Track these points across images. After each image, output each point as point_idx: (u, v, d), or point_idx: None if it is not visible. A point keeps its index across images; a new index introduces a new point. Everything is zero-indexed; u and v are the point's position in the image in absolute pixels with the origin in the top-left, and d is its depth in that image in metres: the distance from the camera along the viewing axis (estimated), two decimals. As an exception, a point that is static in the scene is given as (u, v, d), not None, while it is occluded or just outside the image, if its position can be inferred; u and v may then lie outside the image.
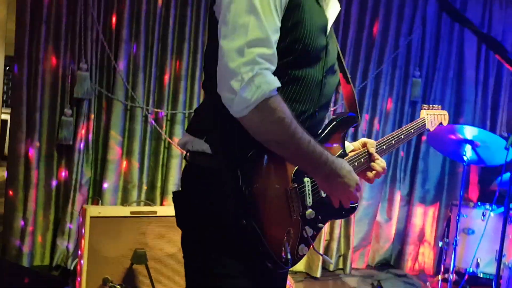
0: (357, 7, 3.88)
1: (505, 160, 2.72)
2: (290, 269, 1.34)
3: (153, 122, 3.59)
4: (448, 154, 3.42)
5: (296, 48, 1.17)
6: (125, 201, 3.51)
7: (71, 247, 3.38)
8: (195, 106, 3.67)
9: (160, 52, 3.60)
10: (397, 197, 4.15)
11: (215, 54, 1.14)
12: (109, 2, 3.45)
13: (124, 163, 3.55)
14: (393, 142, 1.57)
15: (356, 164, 1.41)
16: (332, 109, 3.79)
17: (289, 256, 1.21)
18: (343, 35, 3.86)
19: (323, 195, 1.31)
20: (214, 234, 1.21)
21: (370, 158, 1.45)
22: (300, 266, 3.85)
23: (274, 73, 1.11)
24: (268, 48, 1.09)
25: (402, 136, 1.60)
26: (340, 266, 4.02)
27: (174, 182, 3.63)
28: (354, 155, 1.43)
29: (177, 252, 2.82)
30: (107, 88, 3.51)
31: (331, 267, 3.96)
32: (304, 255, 1.29)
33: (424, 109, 1.76)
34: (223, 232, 1.19)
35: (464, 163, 3.10)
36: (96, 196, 3.44)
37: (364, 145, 1.48)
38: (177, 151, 3.62)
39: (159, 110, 3.62)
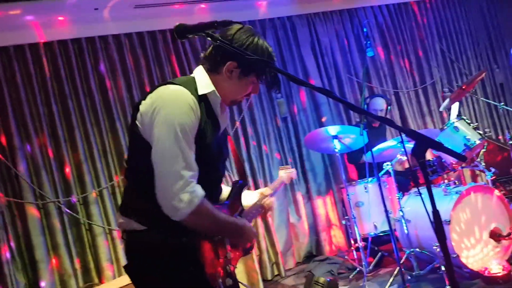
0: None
1: (363, 141, 3.55)
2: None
3: (67, 210, 3.78)
4: (323, 150, 4.18)
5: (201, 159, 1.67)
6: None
7: None
8: (102, 184, 3.94)
9: (54, 146, 3.82)
10: (299, 197, 4.84)
11: (141, 162, 1.59)
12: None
13: (54, 258, 3.67)
14: (271, 191, 2.21)
15: (254, 211, 2.04)
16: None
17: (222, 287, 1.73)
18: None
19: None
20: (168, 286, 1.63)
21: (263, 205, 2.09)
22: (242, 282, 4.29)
23: None
24: (193, 170, 1.57)
25: (270, 191, 2.22)
26: (276, 272, 4.55)
27: (106, 258, 3.83)
28: (253, 205, 2.04)
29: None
30: (15, 195, 3.62)
31: (269, 276, 4.46)
32: (231, 285, 1.80)
33: (281, 169, 2.50)
34: (176, 283, 1.61)
35: (337, 154, 3.87)
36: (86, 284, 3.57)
37: (261, 194, 2.12)
38: (99, 229, 3.84)
39: (69, 198, 3.81)
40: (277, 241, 4.56)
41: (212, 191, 1.77)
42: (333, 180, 4.96)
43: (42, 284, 3.56)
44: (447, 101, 3.87)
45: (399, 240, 3.69)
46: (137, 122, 1.62)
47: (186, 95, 1.60)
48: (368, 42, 3.79)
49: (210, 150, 1.70)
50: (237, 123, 4.57)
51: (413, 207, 3.60)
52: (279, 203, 4.68)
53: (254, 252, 4.33)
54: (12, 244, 3.53)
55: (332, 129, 3.82)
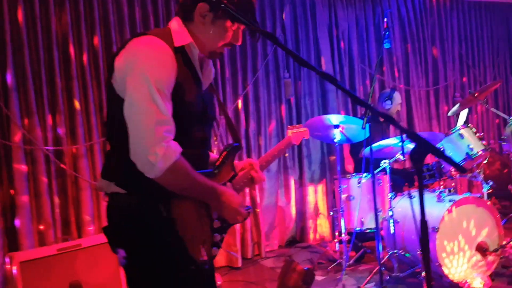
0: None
1: (364, 136, 3.43)
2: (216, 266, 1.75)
3: (54, 159, 3.70)
4: (322, 138, 4.07)
5: (180, 117, 1.54)
6: (42, 243, 3.59)
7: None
8: (94, 138, 3.86)
9: (50, 93, 3.71)
10: (291, 181, 4.77)
11: (118, 121, 1.48)
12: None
13: (35, 205, 3.62)
14: (270, 159, 2.05)
15: (245, 180, 1.88)
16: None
17: (206, 258, 1.62)
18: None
19: None
20: (145, 255, 1.55)
21: (254, 174, 1.90)
22: (221, 261, 4.27)
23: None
24: (169, 124, 1.46)
25: (276, 153, 2.08)
26: (256, 252, 4.52)
27: (87, 213, 3.78)
28: (243, 174, 1.89)
29: (110, 277, 3.06)
30: (3, 137, 3.54)
31: (250, 255, 4.44)
32: (216, 255, 1.71)
33: (289, 129, 2.24)
34: (153, 252, 1.54)
35: (336, 144, 3.78)
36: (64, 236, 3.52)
37: (250, 164, 1.92)
38: (85, 183, 3.78)
39: (59, 148, 3.74)
40: (262, 222, 4.52)
41: (195, 155, 1.64)
42: (328, 169, 4.88)
43: (20, 229, 3.52)
44: (456, 106, 3.75)
45: (384, 239, 3.64)
46: (112, 79, 1.53)
47: (161, 46, 1.49)
48: (387, 33, 3.65)
49: (191, 107, 1.58)
50: (240, 98, 4.46)
51: (404, 209, 3.52)
52: (270, 185, 4.61)
53: (237, 228, 4.28)
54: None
55: (335, 118, 3.71)
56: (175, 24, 1.61)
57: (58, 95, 3.72)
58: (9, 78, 3.53)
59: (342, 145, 4.49)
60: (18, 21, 3.58)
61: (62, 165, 3.72)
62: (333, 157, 4.88)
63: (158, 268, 1.57)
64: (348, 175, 3.91)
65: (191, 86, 1.59)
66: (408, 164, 4.91)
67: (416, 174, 1.32)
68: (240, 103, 4.46)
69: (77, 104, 3.79)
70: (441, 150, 1.28)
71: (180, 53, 1.56)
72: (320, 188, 4.90)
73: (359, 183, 3.83)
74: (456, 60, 5.77)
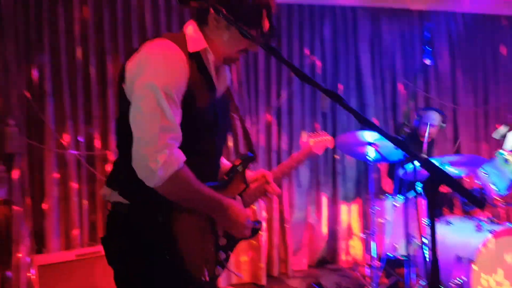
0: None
1: (403, 156, 3.23)
2: (238, 283, 1.64)
3: (86, 164, 3.75)
4: (355, 155, 3.87)
5: (190, 125, 1.46)
6: (69, 245, 3.63)
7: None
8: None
9: (84, 99, 3.78)
10: (323, 198, 4.58)
11: (124, 126, 1.41)
12: (30, 57, 3.61)
13: (63, 208, 3.68)
14: (287, 170, 1.89)
15: (257, 194, 1.76)
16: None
17: (207, 278, 1.50)
18: (254, 61, 4.27)
19: None
20: (141, 271, 1.46)
21: (268, 187, 1.77)
22: (246, 277, 4.14)
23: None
24: (175, 132, 1.38)
25: (294, 164, 1.91)
26: (283, 270, 4.36)
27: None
28: (256, 187, 1.76)
29: None
30: (37, 140, 3.63)
31: (276, 273, 4.28)
32: (219, 275, 1.59)
33: (311, 137, 1.99)
34: (149, 269, 1.45)
35: (370, 163, 3.57)
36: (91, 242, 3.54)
37: (263, 176, 1.79)
38: (114, 189, 3.80)
39: (90, 153, 3.78)
40: (290, 239, 4.36)
41: (204, 166, 1.55)
42: (364, 188, 4.65)
43: (48, 232, 3.57)
44: (503, 127, 3.45)
45: (417, 268, 3.38)
46: (123, 83, 1.46)
47: (173, 50, 1.42)
48: (429, 48, 3.42)
49: (202, 116, 1.49)
50: (273, 110, 4.35)
51: (440, 236, 3.26)
52: (301, 201, 4.45)
53: (259, 243, 4.15)
54: (27, 188, 3.55)
55: (369, 135, 3.51)
56: (191, 28, 1.54)
57: (92, 100, 3.79)
58: (47, 84, 3.63)
59: (376, 163, 4.25)
60: (58, 28, 3.69)
61: (93, 170, 3.76)
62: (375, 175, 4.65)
63: (154, 286, 1.48)
64: (382, 196, 3.68)
65: (203, 94, 1.50)
66: (446, 188, 4.58)
67: (428, 206, 1.17)
68: (272, 116, 4.36)
69: (110, 110, 3.83)
70: (456, 181, 1.11)
71: (194, 59, 1.48)
72: (354, 207, 4.67)
73: (393, 205, 3.60)
74: (511, 79, 5.37)
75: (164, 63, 1.40)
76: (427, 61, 3.42)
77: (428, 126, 3.42)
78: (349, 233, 4.65)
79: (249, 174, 1.80)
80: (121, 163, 1.55)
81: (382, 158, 3.67)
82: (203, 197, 1.47)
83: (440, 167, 1.15)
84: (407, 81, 4.89)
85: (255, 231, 1.71)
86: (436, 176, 1.15)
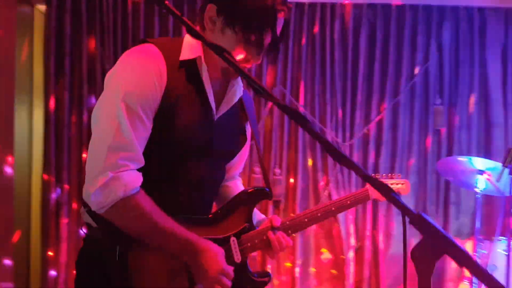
0: (365, 39, 3.86)
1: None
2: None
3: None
4: (461, 184, 3.21)
5: (166, 145, 1.27)
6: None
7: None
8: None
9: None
10: (430, 231, 3.92)
11: None
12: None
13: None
14: (319, 215, 1.50)
15: (257, 241, 1.40)
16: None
17: None
18: (352, 68, 3.86)
19: None
20: None
21: (271, 235, 1.41)
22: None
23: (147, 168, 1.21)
24: (130, 151, 1.18)
25: (333, 208, 1.52)
26: (375, 307, 3.85)
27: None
28: (258, 232, 1.42)
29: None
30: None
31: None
32: None
33: (381, 179, 1.64)
34: None
35: (478, 195, 2.90)
36: None
37: (270, 221, 1.43)
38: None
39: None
40: (384, 274, 3.81)
41: (183, 196, 1.33)
42: (483, 225, 3.85)
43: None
44: None
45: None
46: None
47: (150, 58, 1.24)
48: None
49: (185, 135, 1.28)
50: (372, 125, 3.87)
51: None
52: (400, 232, 3.86)
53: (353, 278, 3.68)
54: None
55: (479, 162, 2.86)
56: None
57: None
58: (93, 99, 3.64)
59: (487, 195, 3.47)
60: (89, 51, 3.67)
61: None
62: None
63: None
64: (493, 238, 2.97)
65: (189, 110, 1.29)
66: None
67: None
68: (370, 131, 3.88)
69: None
70: (465, 253, 0.70)
71: (185, 68, 1.28)
72: (469, 245, 3.89)
73: (506, 249, 2.86)
74: None
75: (132, 71, 1.23)
76: None
77: None
78: (459, 274, 3.88)
79: (261, 216, 1.50)
80: None
81: (496, 190, 2.96)
82: (164, 234, 1.23)
83: (439, 228, 0.75)
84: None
85: (261, 284, 1.40)
86: (432, 241, 0.77)
